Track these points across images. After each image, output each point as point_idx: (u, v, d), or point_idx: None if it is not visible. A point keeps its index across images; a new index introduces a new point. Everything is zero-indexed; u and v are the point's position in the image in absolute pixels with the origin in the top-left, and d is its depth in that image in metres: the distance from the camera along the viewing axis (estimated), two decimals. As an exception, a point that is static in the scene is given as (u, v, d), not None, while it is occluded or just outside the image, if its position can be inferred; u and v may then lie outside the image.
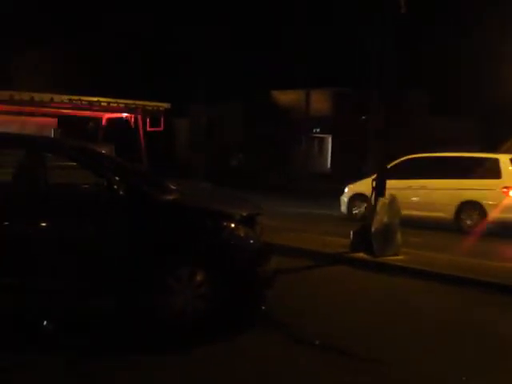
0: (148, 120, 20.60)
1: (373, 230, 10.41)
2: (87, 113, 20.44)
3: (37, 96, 17.81)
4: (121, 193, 6.13)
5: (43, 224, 6.15)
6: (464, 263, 10.18)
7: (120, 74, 33.15)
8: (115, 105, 19.59)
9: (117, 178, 6.26)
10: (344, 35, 33.24)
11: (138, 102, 20.13)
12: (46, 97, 18.02)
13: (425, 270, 9.57)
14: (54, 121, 18.75)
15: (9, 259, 6.02)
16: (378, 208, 10.55)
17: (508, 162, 14.51)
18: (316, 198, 19.11)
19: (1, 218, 6.07)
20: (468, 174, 14.88)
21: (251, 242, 6.43)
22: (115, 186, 6.14)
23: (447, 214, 14.81)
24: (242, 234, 6.36)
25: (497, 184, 14.33)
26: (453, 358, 5.88)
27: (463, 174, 14.94)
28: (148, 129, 20.79)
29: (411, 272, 9.55)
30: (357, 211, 16.40)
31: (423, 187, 15.22)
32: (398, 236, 10.67)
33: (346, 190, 16.98)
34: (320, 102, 35.64)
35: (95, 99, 19.15)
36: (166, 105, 20.83)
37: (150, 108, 20.42)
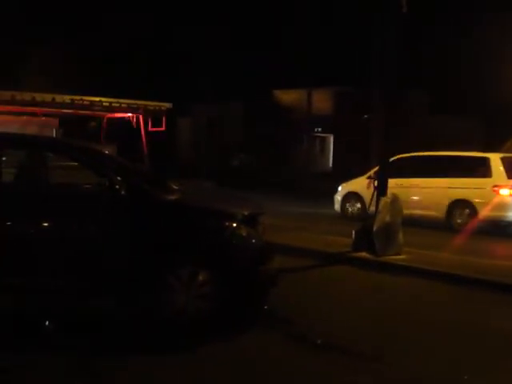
0: (150, 120, 20.62)
1: (375, 229, 10.40)
2: (89, 113, 20.46)
3: (38, 96, 17.83)
4: (122, 193, 6.13)
5: (45, 224, 6.15)
6: (466, 262, 10.18)
7: (121, 74, 33.18)
8: (117, 105, 19.61)
9: (118, 178, 6.26)
10: (345, 34, 33.28)
11: (139, 102, 20.15)
12: (48, 97, 18.04)
13: (427, 269, 9.57)
14: (56, 121, 18.77)
15: (10, 259, 6.03)
16: (380, 207, 10.54)
17: (498, 160, 14.62)
18: (317, 197, 19.09)
19: (2, 218, 6.08)
20: (459, 172, 15.03)
21: (253, 241, 6.42)
22: (117, 186, 6.14)
23: (439, 212, 14.91)
24: (243, 234, 6.36)
25: (487, 183, 14.42)
26: (454, 357, 5.87)
27: (454, 173, 15.08)
28: (150, 128, 20.81)
29: (413, 271, 9.54)
30: (350, 210, 16.61)
31: (415, 186, 15.25)
32: (400, 235, 10.66)
33: (340, 188, 17.18)
34: (321, 101, 35.63)
35: (97, 99, 19.18)
36: (167, 104, 20.86)
37: (152, 108, 20.45)
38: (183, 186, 7.40)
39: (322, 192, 17.97)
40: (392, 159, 15.43)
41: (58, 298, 6.21)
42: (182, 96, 32.14)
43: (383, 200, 10.60)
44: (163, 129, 21.01)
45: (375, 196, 10.99)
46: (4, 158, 6.89)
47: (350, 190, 16.69)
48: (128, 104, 19.84)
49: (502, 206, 14.20)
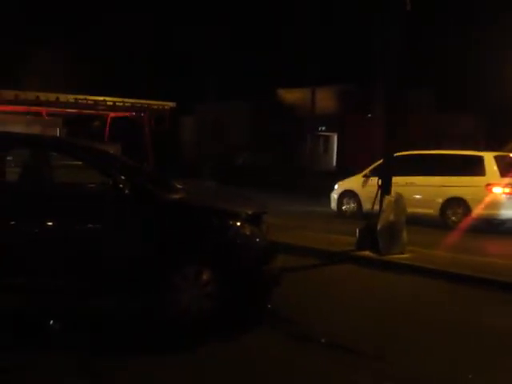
0: (154, 119, 20.60)
1: (379, 227, 10.40)
2: (93, 112, 20.46)
3: (42, 95, 17.84)
4: (126, 192, 6.14)
5: (49, 223, 6.16)
6: (469, 261, 10.16)
7: (125, 74, 33.20)
8: (121, 104, 19.59)
9: (122, 178, 6.27)
10: (348, 33, 33.24)
11: (143, 101, 20.13)
12: (52, 96, 18.04)
13: (431, 268, 9.55)
14: (60, 120, 18.78)
15: (14, 259, 6.04)
16: (384, 206, 10.54)
17: (492, 159, 14.78)
18: (320, 195, 19.07)
19: (7, 218, 6.10)
20: (453, 171, 15.17)
21: (257, 240, 6.43)
22: (121, 185, 6.15)
23: (433, 210, 15.04)
24: (247, 233, 6.37)
25: (481, 181, 14.57)
26: (455, 357, 5.86)
27: (449, 171, 15.21)
28: (154, 128, 20.79)
29: (417, 270, 9.54)
30: (346, 208, 16.76)
31: (410, 184, 15.29)
32: (404, 234, 10.66)
33: (336, 186, 17.35)
34: (326, 99, 35.59)
35: (101, 98, 19.17)
36: (171, 104, 20.83)
37: (156, 107, 20.41)
38: (187, 185, 7.40)
39: (325, 191, 17.95)
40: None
41: (60, 298, 6.22)
42: (185, 95, 32.17)
43: (387, 199, 10.60)
44: (167, 128, 20.99)
45: (379, 195, 10.98)
46: (8, 158, 6.92)
47: (346, 188, 16.92)
48: (132, 103, 19.81)
49: (494, 204, 14.38)
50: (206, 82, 33.87)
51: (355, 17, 30.81)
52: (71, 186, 7.33)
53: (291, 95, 38.96)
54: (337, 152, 38.67)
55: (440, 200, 15.00)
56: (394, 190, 10.92)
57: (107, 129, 21.39)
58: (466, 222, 14.31)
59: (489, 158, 14.84)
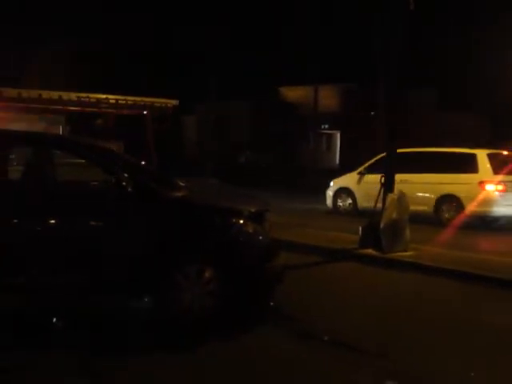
0: (156, 117, 20.60)
1: (381, 225, 10.39)
2: (95, 110, 20.46)
3: (45, 94, 17.84)
4: (129, 190, 6.13)
5: (52, 221, 6.16)
6: (471, 259, 10.15)
7: (126, 74, 33.17)
8: (123, 102, 19.58)
9: (125, 175, 6.26)
10: (350, 31, 33.19)
11: (146, 99, 20.12)
12: (54, 94, 18.04)
13: (434, 266, 9.56)
14: (63, 118, 18.79)
15: (17, 258, 6.04)
16: (387, 204, 10.53)
17: (485, 157, 14.83)
18: (321, 194, 19.08)
19: (10, 216, 6.10)
20: (447, 168, 15.24)
21: (260, 238, 6.43)
22: (124, 183, 6.15)
23: (427, 207, 15.11)
24: (250, 231, 6.37)
25: (474, 178, 14.64)
26: (458, 355, 5.86)
27: (443, 169, 15.28)
28: (156, 126, 20.78)
29: (420, 268, 9.54)
30: (341, 205, 16.92)
31: (405, 182, 15.29)
32: (407, 232, 10.65)
33: (332, 184, 17.48)
34: (328, 98, 35.59)
35: (103, 96, 19.15)
36: (174, 102, 20.80)
37: (159, 105, 20.40)
38: (189, 183, 7.40)
39: (326, 189, 17.98)
40: (382, 155, 15.50)
41: (61, 296, 6.22)
42: (186, 95, 32.13)
43: (390, 197, 10.59)
44: (170, 126, 20.99)
45: (381, 193, 10.97)
46: (11, 156, 6.91)
47: (342, 185, 17.08)
48: (134, 101, 19.81)
49: (487, 202, 14.46)
50: (207, 81, 33.79)
51: (355, 17, 30.76)
52: (74, 184, 7.32)
53: (293, 93, 38.94)
54: (340, 150, 38.66)
55: (434, 197, 15.08)
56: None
57: (109, 127, 21.40)
58: (459, 219, 14.41)
59: (482, 155, 14.90)
